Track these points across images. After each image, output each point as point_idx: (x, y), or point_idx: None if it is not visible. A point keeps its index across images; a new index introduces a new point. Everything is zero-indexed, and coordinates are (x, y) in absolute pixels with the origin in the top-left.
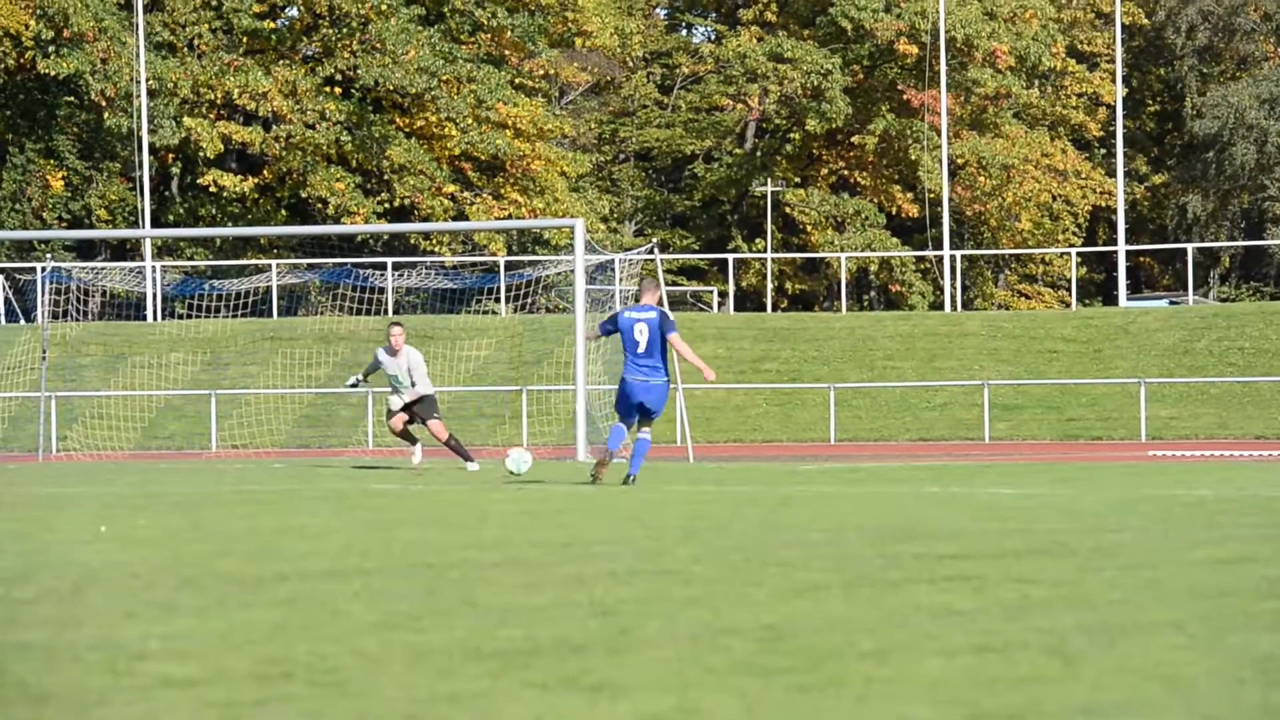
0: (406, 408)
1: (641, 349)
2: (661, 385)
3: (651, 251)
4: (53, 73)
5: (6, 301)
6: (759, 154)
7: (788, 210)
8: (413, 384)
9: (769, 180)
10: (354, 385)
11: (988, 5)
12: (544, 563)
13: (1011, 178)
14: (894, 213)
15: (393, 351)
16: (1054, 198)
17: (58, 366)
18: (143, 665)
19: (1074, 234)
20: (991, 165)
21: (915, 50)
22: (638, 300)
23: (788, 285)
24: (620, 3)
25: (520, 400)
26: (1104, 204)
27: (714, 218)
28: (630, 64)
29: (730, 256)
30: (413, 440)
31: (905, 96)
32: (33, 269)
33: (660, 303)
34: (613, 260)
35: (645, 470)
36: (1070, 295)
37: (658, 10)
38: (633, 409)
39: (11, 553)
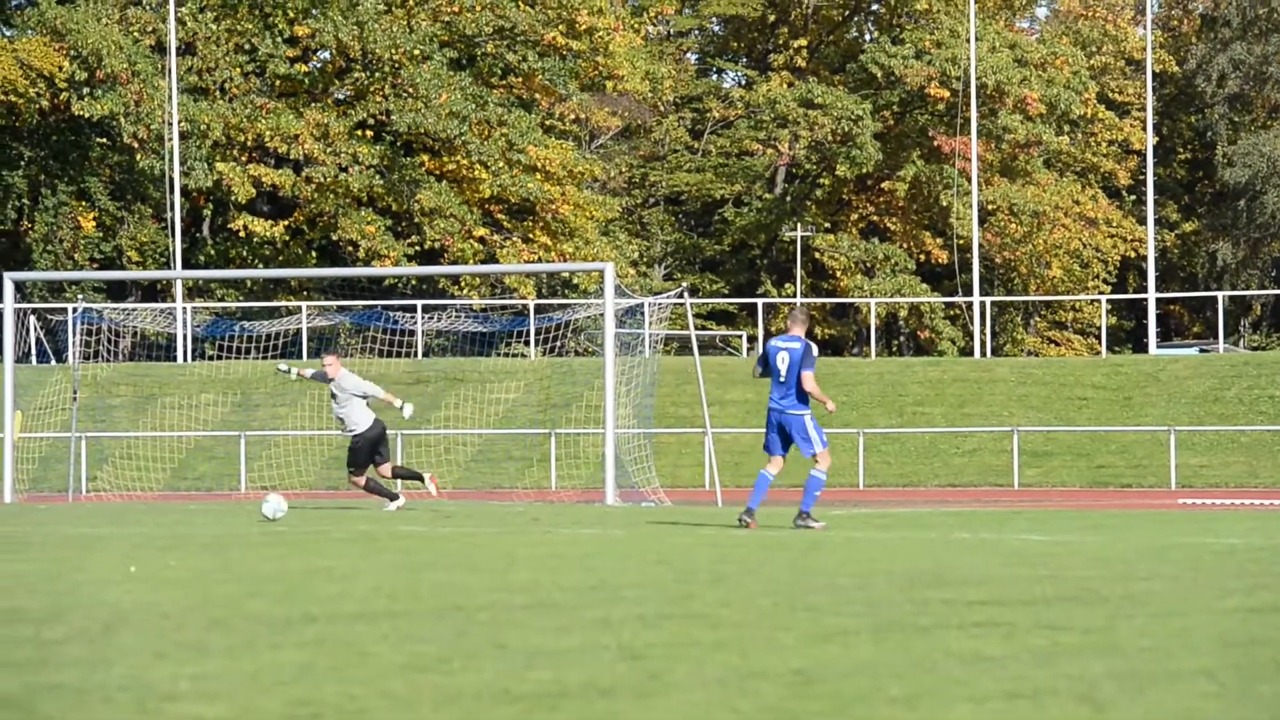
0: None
1: (782, 378)
2: (799, 416)
3: (681, 295)
4: (86, 114)
5: (38, 342)
6: (789, 199)
7: (817, 255)
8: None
9: (799, 225)
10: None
11: (1018, 52)
12: (572, 606)
13: (1042, 225)
14: (923, 258)
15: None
16: (1084, 245)
17: (88, 407)
18: (173, 706)
19: (1104, 281)
20: (1022, 212)
21: (946, 96)
22: (785, 330)
23: (817, 330)
24: (651, 47)
25: (549, 443)
26: (1134, 251)
27: (743, 262)
28: (661, 108)
29: (760, 301)
30: (418, 476)
31: (936, 142)
32: (64, 309)
33: (808, 335)
34: (642, 304)
35: (675, 514)
36: (1100, 342)
37: (688, 55)
38: (776, 439)
39: (42, 593)
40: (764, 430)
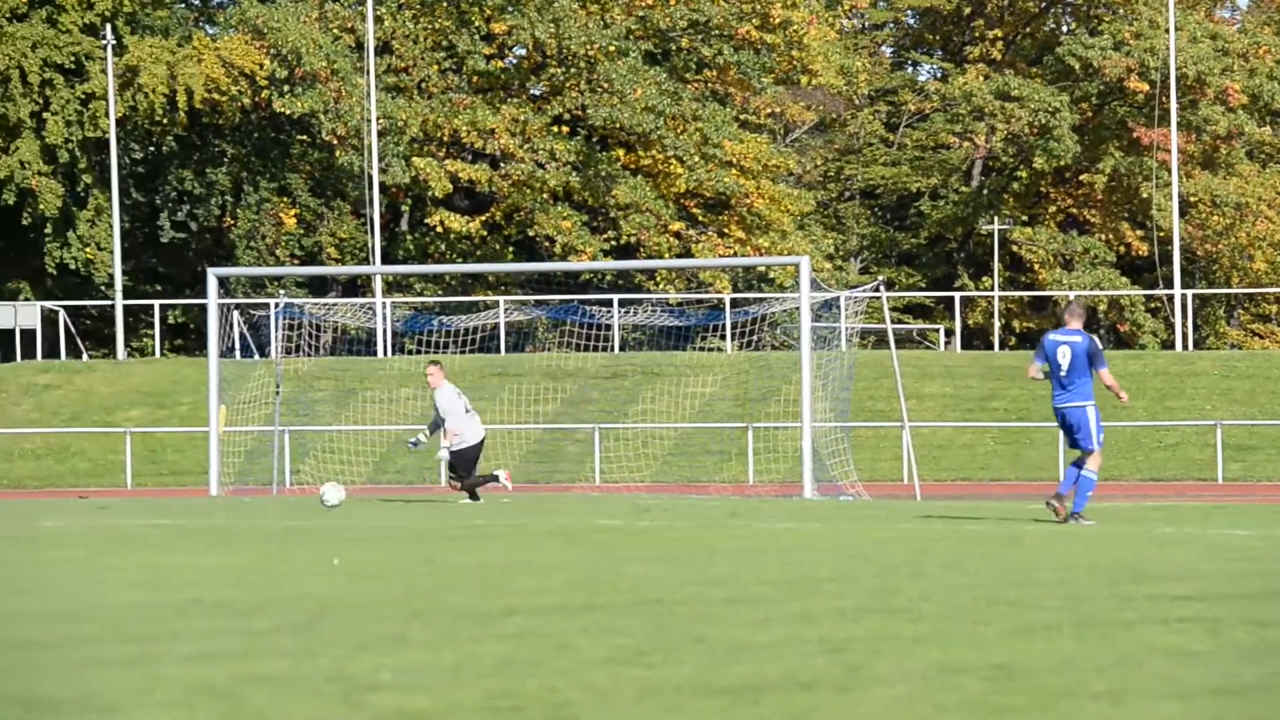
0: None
1: (1064, 372)
2: (1081, 408)
3: (877, 289)
4: (286, 112)
5: (241, 337)
6: (986, 192)
7: (1015, 248)
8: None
9: (996, 218)
10: (415, 444)
11: (1219, 43)
12: (771, 599)
13: (1244, 217)
14: (1123, 251)
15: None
16: None
17: (291, 401)
18: (376, 697)
19: None
20: (1224, 204)
21: (1145, 88)
22: (1061, 324)
23: (1015, 323)
24: (845, 41)
25: (746, 437)
26: None
27: (940, 255)
28: (856, 102)
29: (957, 295)
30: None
31: (1135, 134)
32: (266, 305)
33: (1086, 327)
34: (838, 298)
35: (873, 508)
36: None
37: (883, 48)
38: (1067, 434)
39: (249, 585)
40: (962, 425)
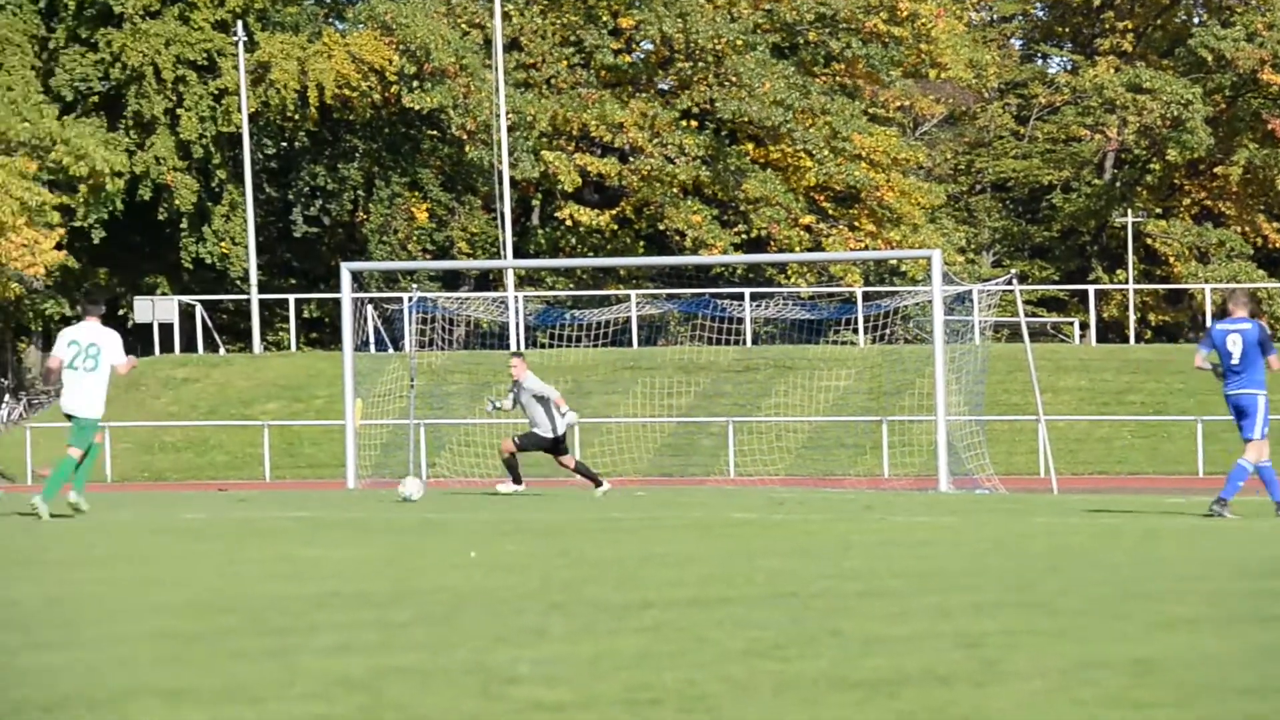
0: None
1: (1234, 360)
2: (1253, 395)
3: (1010, 282)
4: (416, 107)
5: (376, 331)
6: (1118, 184)
7: (1149, 241)
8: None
9: (1129, 210)
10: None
11: None
12: (907, 593)
13: None
14: (1260, 243)
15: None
16: None
17: (425, 394)
18: (514, 689)
19: None
20: None
21: (1279, 80)
22: (1225, 314)
23: (1150, 317)
24: (974, 34)
25: (880, 430)
26: None
27: (1073, 248)
28: (985, 94)
29: (1091, 288)
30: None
31: (1270, 126)
32: (399, 299)
33: (1253, 315)
34: (971, 291)
35: (1009, 501)
36: None
37: (1012, 41)
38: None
39: (386, 577)
40: (1098, 418)
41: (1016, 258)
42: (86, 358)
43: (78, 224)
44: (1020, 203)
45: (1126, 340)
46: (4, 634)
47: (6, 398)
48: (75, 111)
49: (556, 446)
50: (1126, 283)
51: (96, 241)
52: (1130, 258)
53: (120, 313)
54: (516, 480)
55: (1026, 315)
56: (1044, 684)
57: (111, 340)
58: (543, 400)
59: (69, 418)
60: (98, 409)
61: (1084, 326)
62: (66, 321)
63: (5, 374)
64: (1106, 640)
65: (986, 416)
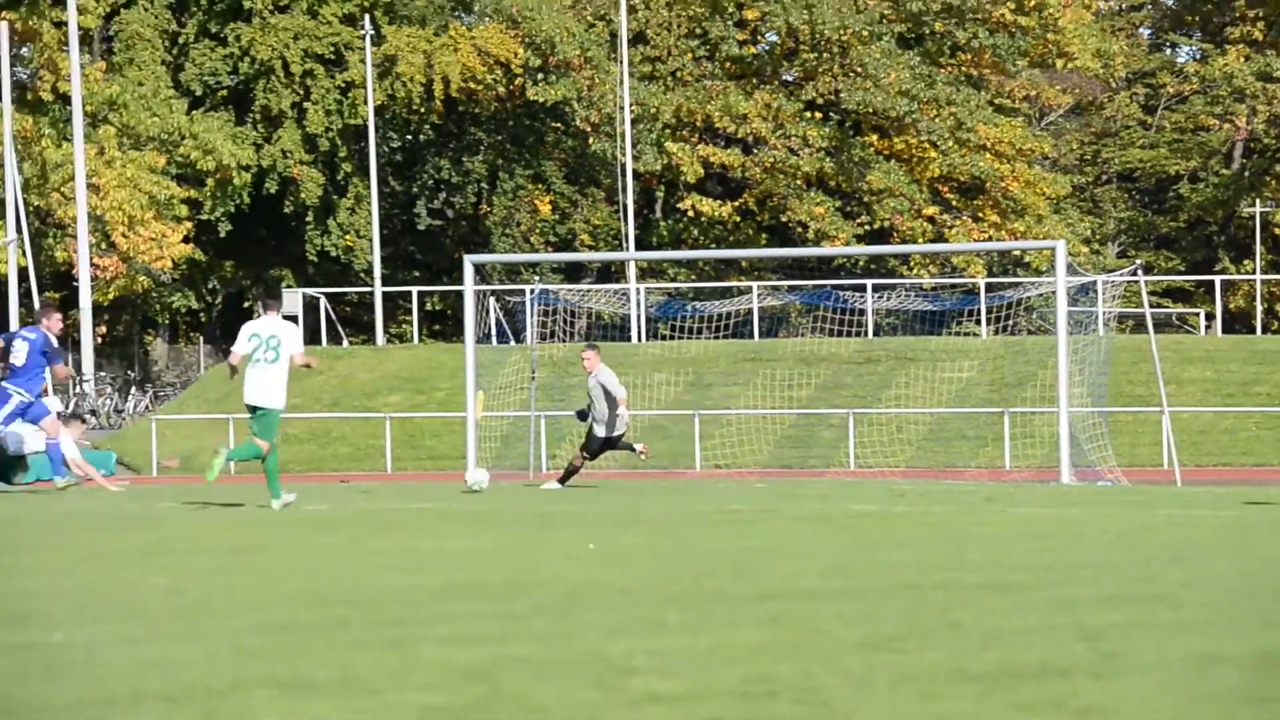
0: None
1: None
2: None
3: (1135, 273)
4: (540, 100)
5: (498, 323)
6: (1247, 174)
7: (1277, 231)
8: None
9: (1257, 200)
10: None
11: None
12: (1028, 585)
13: None
14: None
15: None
16: None
17: (546, 386)
18: (631, 681)
19: None
20: None
21: None
22: None
23: (1278, 307)
24: (1102, 23)
25: (1002, 422)
26: None
27: (1200, 239)
28: (1113, 84)
29: (1217, 278)
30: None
31: None
32: (521, 291)
33: None
34: (1095, 282)
35: (1132, 493)
36: None
37: (1141, 30)
38: None
39: (505, 568)
40: (1224, 409)
41: (1142, 248)
42: (268, 349)
43: (205, 217)
44: (1146, 193)
45: (1253, 331)
46: (127, 624)
47: (133, 390)
48: (204, 106)
49: (605, 445)
50: (1254, 273)
51: (223, 235)
52: (1258, 248)
53: (245, 305)
54: (565, 478)
55: (1151, 306)
56: (1165, 677)
57: (291, 333)
58: (610, 399)
59: (251, 410)
60: (279, 399)
61: (1210, 317)
62: (193, 315)
63: (132, 367)
64: (1229, 633)
65: (1109, 408)
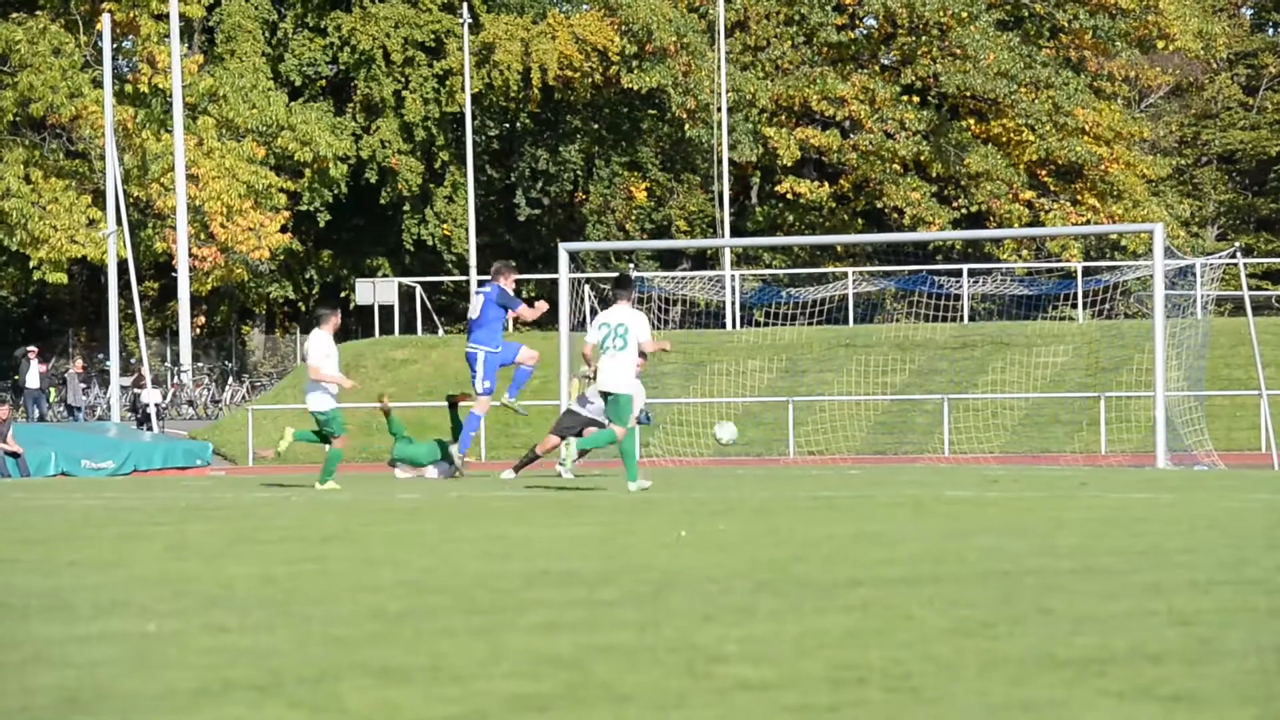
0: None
1: None
2: None
3: (1234, 256)
4: (636, 87)
5: (593, 310)
6: None
7: None
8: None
9: None
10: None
11: None
12: (1121, 571)
13: None
14: None
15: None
16: None
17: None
18: (720, 668)
19: None
20: None
21: None
22: None
23: None
24: (1204, 4)
25: (1098, 407)
26: None
27: None
28: (1214, 65)
29: None
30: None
31: None
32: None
33: None
34: (1193, 265)
35: (1229, 478)
36: None
37: (1243, 10)
38: None
39: (595, 556)
40: None
41: (1242, 230)
42: (616, 337)
43: (303, 208)
44: (1247, 175)
45: None
46: (219, 613)
47: (230, 380)
48: (303, 97)
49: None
50: None
51: (321, 225)
52: None
53: (342, 294)
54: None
55: (1250, 289)
56: (1258, 663)
57: (639, 321)
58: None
59: (605, 396)
60: (630, 384)
61: None
62: (291, 305)
63: (229, 357)
64: None
65: (1206, 392)
